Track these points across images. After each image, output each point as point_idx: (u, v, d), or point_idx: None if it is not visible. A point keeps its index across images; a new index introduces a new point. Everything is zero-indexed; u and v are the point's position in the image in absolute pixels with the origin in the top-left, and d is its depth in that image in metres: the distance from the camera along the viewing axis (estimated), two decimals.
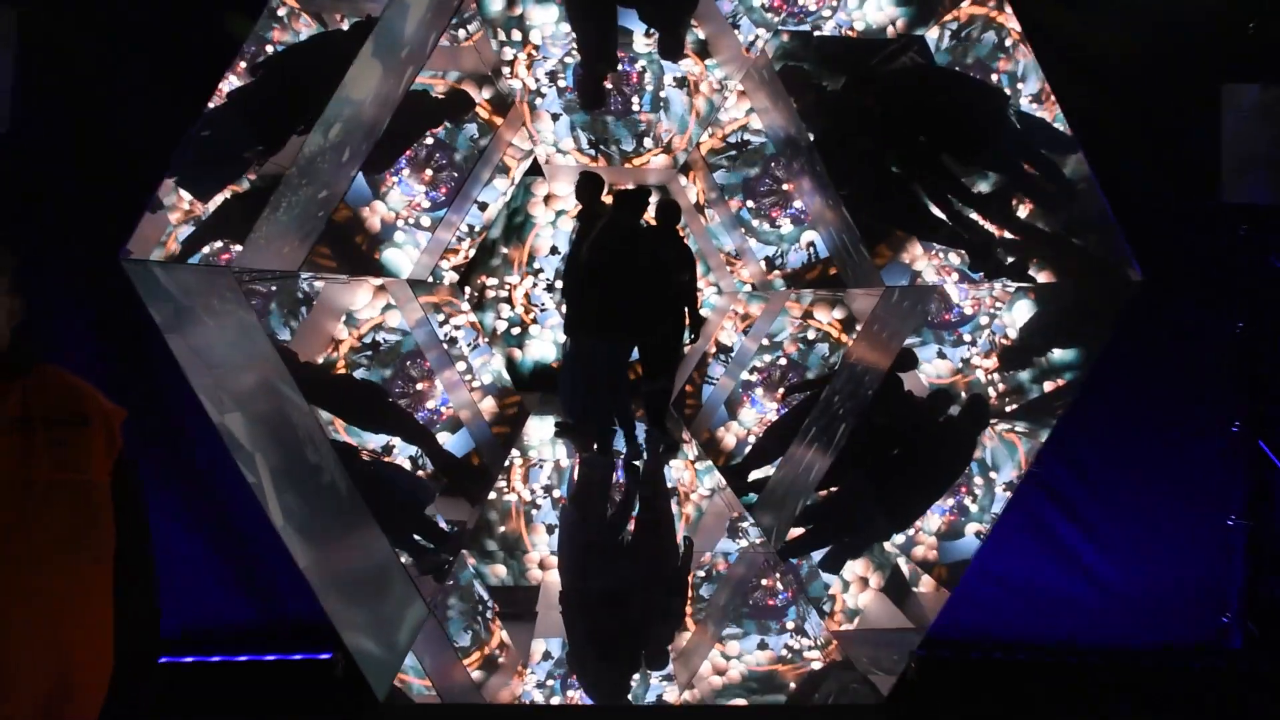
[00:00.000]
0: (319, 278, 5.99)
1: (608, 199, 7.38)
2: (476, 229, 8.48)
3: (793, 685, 4.92)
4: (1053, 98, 4.99)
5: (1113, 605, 5.83)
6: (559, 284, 8.53)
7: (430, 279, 8.24)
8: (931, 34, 6.58)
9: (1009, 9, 5.22)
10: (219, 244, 3.80)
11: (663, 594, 5.31)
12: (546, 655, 5.02)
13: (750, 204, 8.08)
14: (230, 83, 4.02)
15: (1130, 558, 5.84)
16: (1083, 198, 4.75)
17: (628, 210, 6.70)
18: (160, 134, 4.08)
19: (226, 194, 3.90)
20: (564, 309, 7.35)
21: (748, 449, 7.16)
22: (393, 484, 5.27)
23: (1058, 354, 5.80)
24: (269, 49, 4.39)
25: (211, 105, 3.93)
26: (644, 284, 6.50)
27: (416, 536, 5.36)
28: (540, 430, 7.91)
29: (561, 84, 7.89)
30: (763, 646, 5.51)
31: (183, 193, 3.79)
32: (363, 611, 4.30)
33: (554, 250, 8.83)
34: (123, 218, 3.77)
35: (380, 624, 4.41)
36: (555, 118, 7.96)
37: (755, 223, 8.10)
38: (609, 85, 7.79)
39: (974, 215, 5.49)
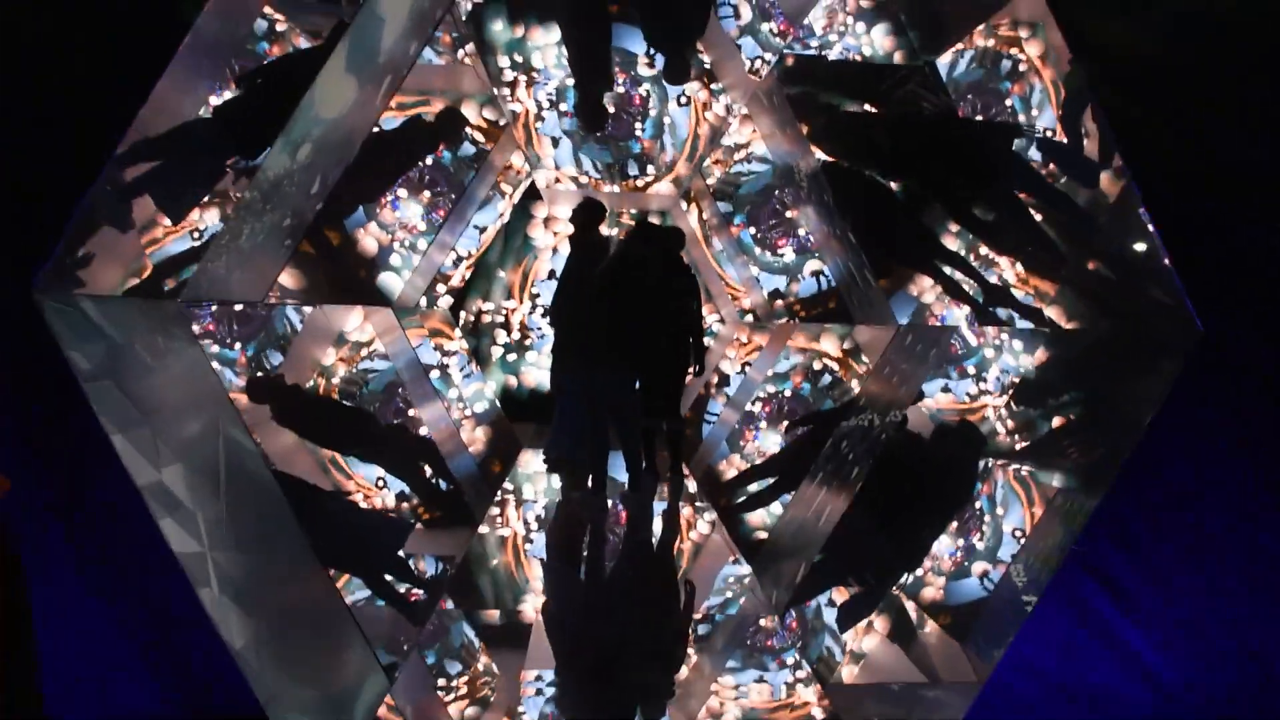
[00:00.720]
0: (284, 303, 5.75)
1: (605, 227, 7.17)
2: (472, 252, 8.28)
3: None
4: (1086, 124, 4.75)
5: (1170, 709, 5.09)
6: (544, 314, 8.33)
7: (425, 303, 8.03)
8: (943, 60, 6.41)
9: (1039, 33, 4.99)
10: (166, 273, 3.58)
11: (663, 655, 5.02)
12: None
13: (754, 231, 7.87)
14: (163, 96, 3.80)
15: (1188, 650, 5.04)
16: (1125, 231, 4.51)
17: (654, 244, 6.57)
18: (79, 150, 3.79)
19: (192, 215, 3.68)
20: (556, 337, 7.06)
21: (747, 491, 6.89)
22: (364, 529, 5.00)
23: (1084, 399, 5.60)
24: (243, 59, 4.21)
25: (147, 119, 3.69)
26: (658, 313, 6.30)
27: (391, 582, 5.09)
28: (536, 463, 7.67)
29: (563, 108, 7.72)
30: (760, 680, 5.30)
31: (121, 214, 3.56)
32: (309, 691, 3.96)
33: (552, 274, 8.62)
34: (32, 243, 3.42)
35: (330, 706, 4.07)
36: (555, 142, 7.78)
37: (759, 251, 7.89)
38: (610, 108, 7.60)
39: (988, 251, 5.31)
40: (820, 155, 5.47)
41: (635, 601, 5.31)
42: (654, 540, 6.33)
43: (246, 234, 3.74)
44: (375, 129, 6.74)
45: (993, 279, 5.52)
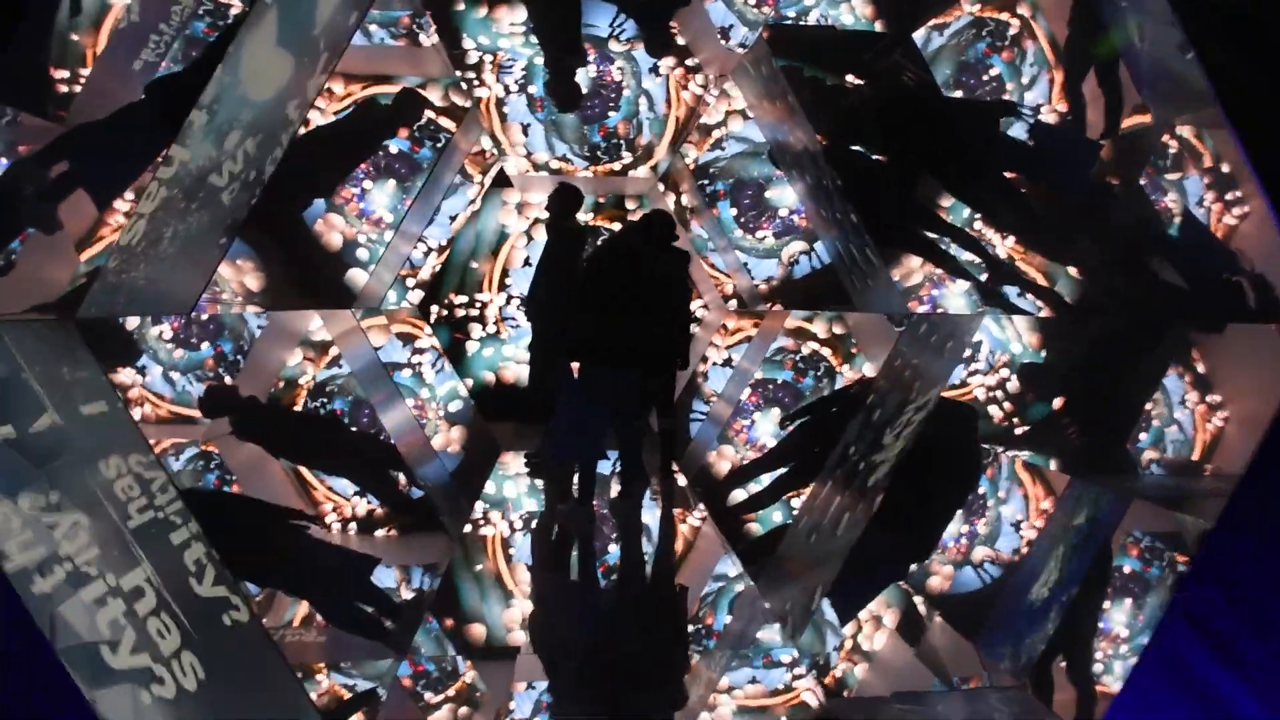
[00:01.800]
0: (217, 311, 5.31)
1: (590, 216, 6.81)
2: (442, 244, 7.89)
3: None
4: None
5: None
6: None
7: (394, 298, 7.64)
8: (926, 26, 6.12)
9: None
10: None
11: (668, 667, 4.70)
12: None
13: (736, 214, 7.54)
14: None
15: None
16: (1133, 206, 4.22)
17: (651, 237, 6.07)
18: None
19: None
20: (537, 331, 6.68)
21: (744, 491, 6.55)
22: (330, 560, 4.64)
23: (1083, 381, 5.33)
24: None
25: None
26: (651, 304, 5.89)
27: (363, 608, 4.76)
28: (517, 464, 7.33)
29: (533, 90, 7.35)
30: (754, 682, 5.02)
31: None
32: None
33: (528, 263, 8.25)
34: None
35: None
36: (525, 128, 7.40)
37: (740, 234, 7.57)
38: (583, 87, 7.24)
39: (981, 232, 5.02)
40: (818, 127, 5.10)
41: (634, 616, 4.98)
42: (647, 549, 5.99)
43: (169, 236, 3.31)
44: (322, 114, 6.39)
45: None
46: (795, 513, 5.99)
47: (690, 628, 5.39)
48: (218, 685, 2.77)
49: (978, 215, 5.28)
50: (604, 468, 6.45)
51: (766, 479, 6.38)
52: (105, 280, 2.94)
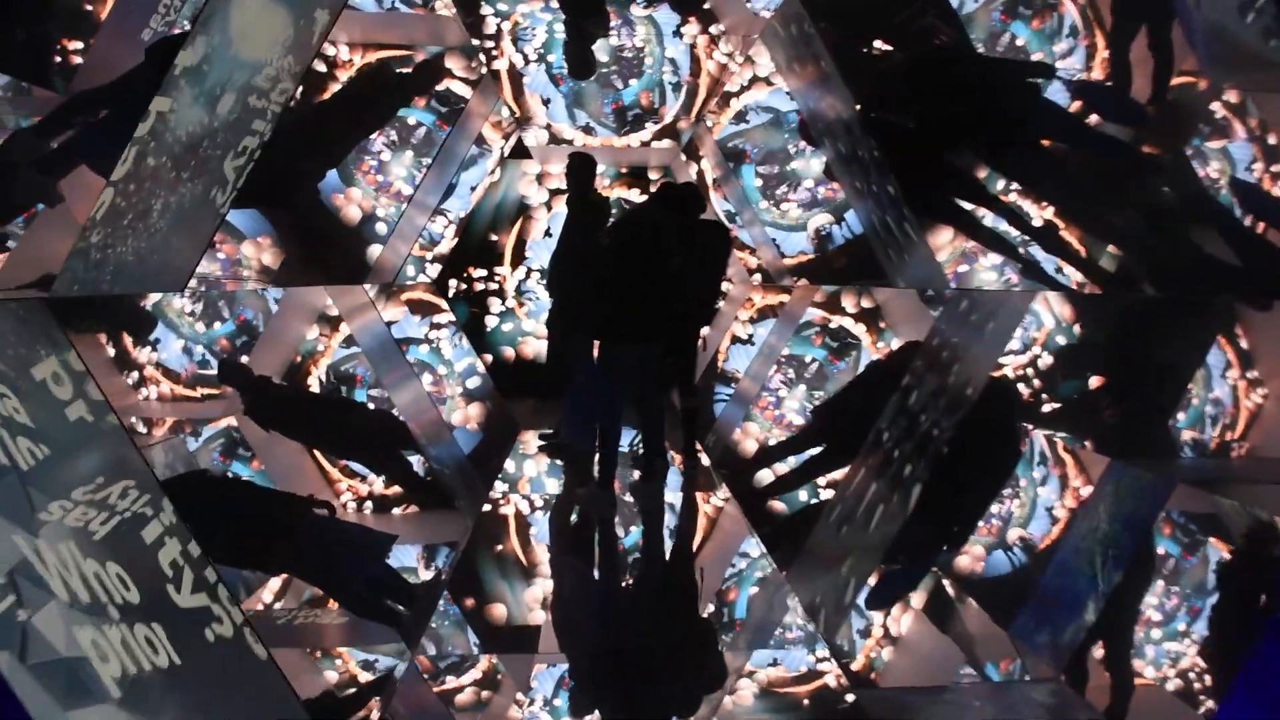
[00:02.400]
0: (208, 290, 5.14)
1: (604, 186, 6.59)
2: (460, 215, 7.73)
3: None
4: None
5: None
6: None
7: (412, 274, 7.51)
8: None
9: None
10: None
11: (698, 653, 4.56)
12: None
13: (761, 185, 7.32)
14: None
15: None
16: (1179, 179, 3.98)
17: (674, 209, 5.77)
18: None
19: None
20: (557, 305, 6.47)
21: (771, 473, 6.37)
22: (342, 545, 4.52)
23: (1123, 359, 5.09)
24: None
25: None
26: (674, 278, 5.67)
27: (375, 594, 4.65)
28: (535, 443, 7.20)
29: (552, 59, 7.15)
30: (774, 664, 4.87)
31: None
32: None
33: (549, 234, 8.08)
34: None
35: None
36: (546, 102, 7.20)
37: (767, 206, 7.35)
38: (602, 54, 7.03)
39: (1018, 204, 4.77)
40: (855, 91, 4.83)
41: (653, 607, 4.82)
42: (668, 532, 5.82)
43: (159, 209, 3.13)
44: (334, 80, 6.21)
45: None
46: (825, 499, 5.82)
47: (710, 610, 5.26)
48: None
49: (1015, 185, 5.06)
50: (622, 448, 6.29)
51: (794, 461, 6.20)
52: (87, 257, 2.78)
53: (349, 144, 6.19)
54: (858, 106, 4.67)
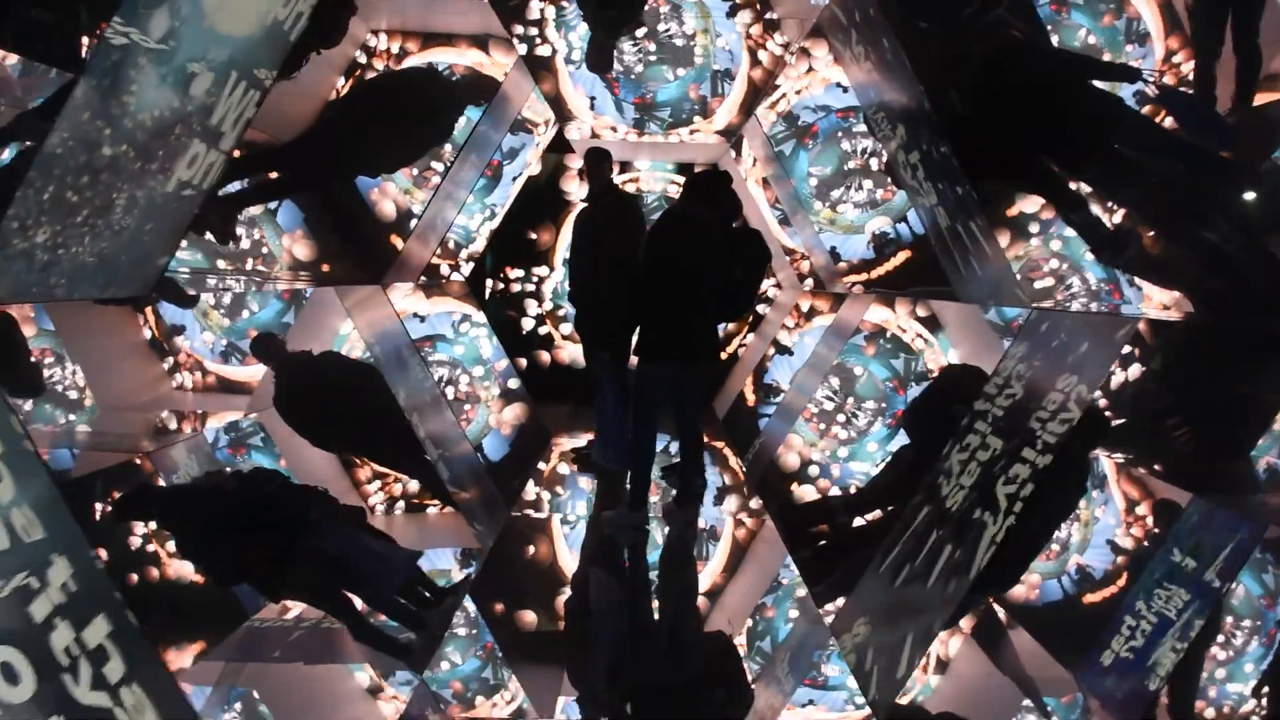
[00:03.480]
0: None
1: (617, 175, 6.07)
2: (496, 210, 7.40)
3: None
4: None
5: None
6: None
7: (447, 271, 7.24)
8: None
9: None
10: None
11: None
12: None
13: (815, 185, 6.90)
14: None
15: None
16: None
17: (700, 201, 5.18)
18: None
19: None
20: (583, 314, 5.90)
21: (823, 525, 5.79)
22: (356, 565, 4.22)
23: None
24: None
25: None
26: (700, 286, 5.07)
27: (383, 624, 4.36)
28: (569, 448, 6.89)
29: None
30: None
31: None
32: None
33: None
34: None
35: None
36: (592, 102, 6.86)
37: (820, 207, 6.92)
38: (651, 46, 6.67)
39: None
40: (928, 86, 4.35)
41: (678, 644, 4.40)
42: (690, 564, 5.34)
43: (122, 205, 2.73)
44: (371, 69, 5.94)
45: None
46: (870, 518, 5.37)
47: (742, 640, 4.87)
48: None
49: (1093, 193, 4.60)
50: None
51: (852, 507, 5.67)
52: (31, 259, 2.45)
53: (406, 157, 5.88)
54: (926, 100, 4.22)
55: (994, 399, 4.10)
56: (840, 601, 4.55)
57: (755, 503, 6.20)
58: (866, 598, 4.15)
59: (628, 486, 5.27)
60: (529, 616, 5.26)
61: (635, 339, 5.15)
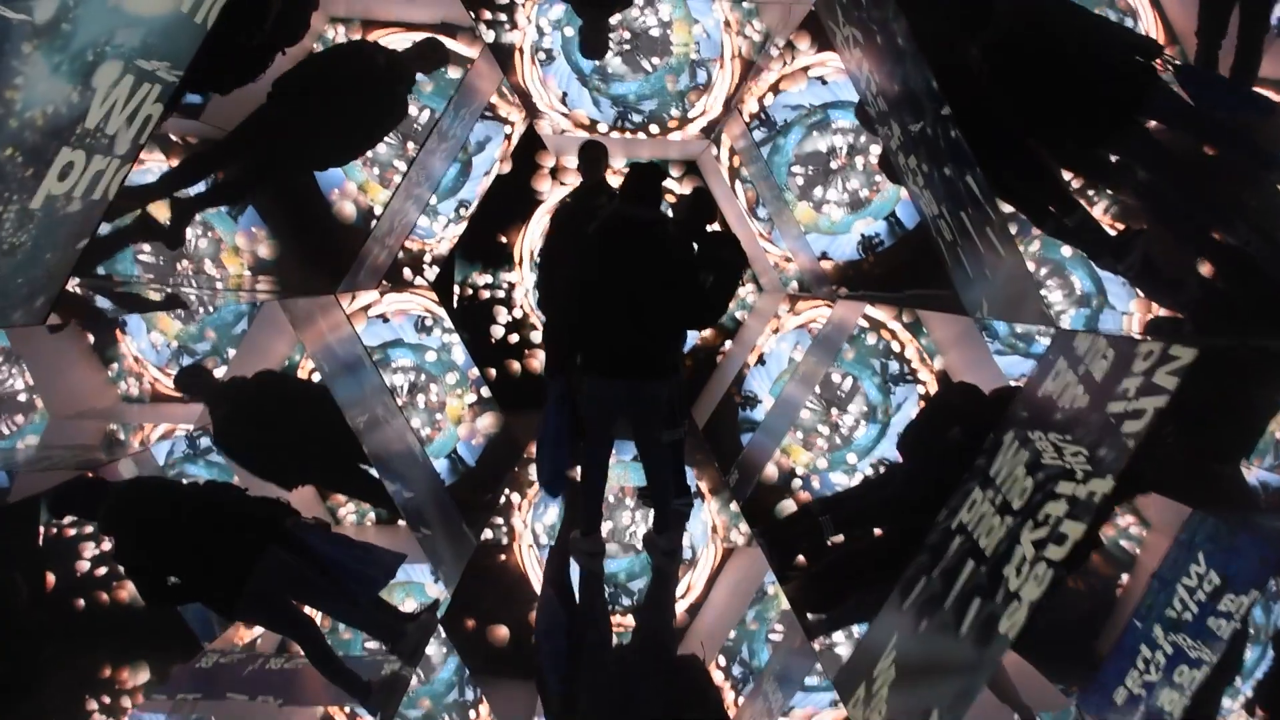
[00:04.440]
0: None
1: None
2: (462, 211, 7.03)
3: None
4: None
5: None
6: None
7: (409, 274, 6.84)
8: None
9: None
10: None
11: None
12: None
13: (800, 183, 6.55)
14: None
15: None
16: None
17: (635, 196, 4.63)
18: None
19: None
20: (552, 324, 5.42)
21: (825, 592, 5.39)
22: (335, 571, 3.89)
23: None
24: None
25: None
26: (680, 301, 4.64)
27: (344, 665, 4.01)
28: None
29: (569, 33, 6.45)
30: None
31: None
32: None
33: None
34: None
35: None
36: (564, 97, 6.49)
37: (805, 206, 6.57)
38: (626, 35, 6.32)
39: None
40: (935, 72, 3.93)
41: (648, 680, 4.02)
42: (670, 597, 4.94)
43: (12, 220, 2.27)
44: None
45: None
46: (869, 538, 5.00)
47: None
48: None
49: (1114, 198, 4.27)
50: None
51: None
52: None
53: (358, 141, 5.42)
54: (934, 81, 3.83)
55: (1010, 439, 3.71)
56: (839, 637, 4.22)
57: (741, 524, 5.87)
58: (876, 648, 3.74)
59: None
60: (501, 632, 4.92)
61: (580, 356, 4.66)
